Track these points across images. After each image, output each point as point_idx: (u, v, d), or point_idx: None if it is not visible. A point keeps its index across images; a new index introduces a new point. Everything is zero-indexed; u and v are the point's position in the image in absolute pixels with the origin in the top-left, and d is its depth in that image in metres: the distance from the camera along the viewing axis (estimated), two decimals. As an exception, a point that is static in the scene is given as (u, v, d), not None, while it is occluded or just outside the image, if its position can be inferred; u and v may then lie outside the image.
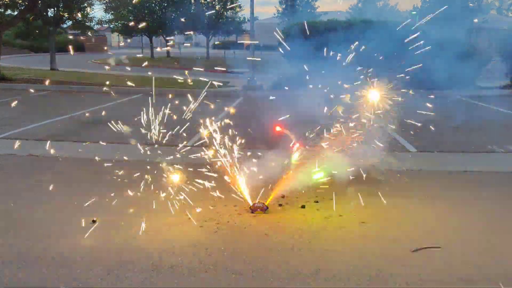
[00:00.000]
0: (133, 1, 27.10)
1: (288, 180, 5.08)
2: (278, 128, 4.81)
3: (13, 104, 10.52)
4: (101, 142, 7.58)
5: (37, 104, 12.58)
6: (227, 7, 37.51)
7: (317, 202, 4.98)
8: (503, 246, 4.00)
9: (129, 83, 9.87)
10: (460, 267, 3.61)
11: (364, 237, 4.15)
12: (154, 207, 4.79)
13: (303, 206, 4.84)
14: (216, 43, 45.07)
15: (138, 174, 5.93)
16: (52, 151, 7.10)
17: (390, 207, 4.86)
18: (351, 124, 5.19)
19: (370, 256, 3.78)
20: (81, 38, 46.46)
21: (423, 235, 4.17)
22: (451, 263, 3.67)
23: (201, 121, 5.09)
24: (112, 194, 5.16)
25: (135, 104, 12.56)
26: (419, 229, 4.33)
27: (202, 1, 37.56)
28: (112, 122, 5.45)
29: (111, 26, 37.14)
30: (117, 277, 3.39)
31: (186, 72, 6.13)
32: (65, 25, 28.25)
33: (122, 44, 65.21)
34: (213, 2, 37.66)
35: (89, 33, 28.67)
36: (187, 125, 5.47)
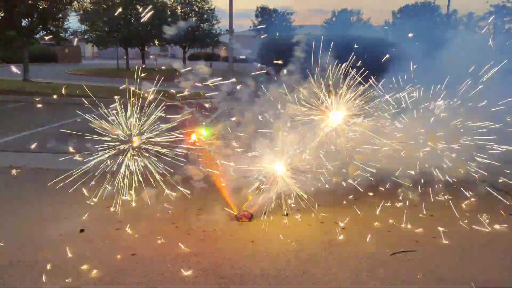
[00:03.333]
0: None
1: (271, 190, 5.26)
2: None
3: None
4: (83, 153, 7.58)
5: (14, 115, 12.44)
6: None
7: (299, 210, 5.18)
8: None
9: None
10: (435, 269, 3.86)
11: (345, 241, 4.36)
12: (141, 216, 4.91)
13: (286, 214, 5.03)
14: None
15: (123, 184, 6.00)
16: (33, 162, 7.12)
17: (369, 213, 5.10)
18: None
19: (351, 259, 3.99)
20: (55, 48, 45.94)
21: (400, 240, 4.42)
22: (426, 265, 3.92)
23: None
24: (98, 205, 5.24)
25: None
26: (396, 234, 4.57)
27: (179, 13, 37.76)
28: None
29: (86, 36, 36.87)
30: (109, 284, 3.49)
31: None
32: (38, 35, 27.92)
33: (95, 55, 64.67)
34: (190, 14, 37.93)
35: (63, 44, 28.42)
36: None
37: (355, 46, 5.82)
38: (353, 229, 4.68)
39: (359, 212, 5.13)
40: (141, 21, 30.09)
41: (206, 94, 5.44)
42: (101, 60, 59.47)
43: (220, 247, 4.21)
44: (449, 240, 4.46)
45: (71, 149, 5.40)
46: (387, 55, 6.15)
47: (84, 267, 3.73)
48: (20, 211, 5.00)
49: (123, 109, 5.13)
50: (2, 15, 17.51)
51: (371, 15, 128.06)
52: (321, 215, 5.00)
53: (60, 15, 23.41)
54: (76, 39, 32.27)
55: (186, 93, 5.16)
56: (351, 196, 5.58)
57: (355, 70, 5.15)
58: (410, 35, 7.93)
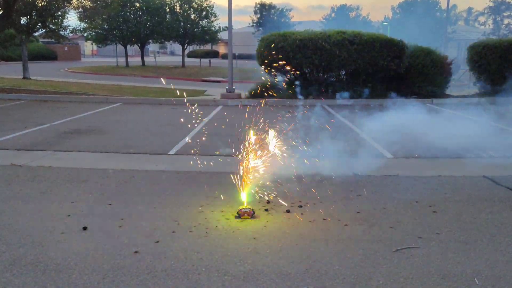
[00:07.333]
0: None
1: (273, 186, 5.25)
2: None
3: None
4: (84, 152, 7.59)
5: (15, 113, 12.42)
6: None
7: (300, 207, 5.18)
8: (475, 245, 4.28)
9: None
10: (438, 265, 3.85)
11: (347, 238, 4.35)
12: (142, 214, 4.90)
13: (288, 211, 5.02)
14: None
15: (123, 182, 6.02)
16: (34, 160, 7.12)
17: (371, 210, 5.10)
18: None
19: (354, 256, 3.98)
20: (54, 46, 45.83)
21: (403, 236, 4.42)
22: (430, 261, 3.91)
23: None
24: (100, 202, 5.25)
25: (116, 113, 12.55)
26: (399, 230, 4.57)
27: (178, 10, 37.65)
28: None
29: (85, 34, 36.81)
30: (112, 281, 3.48)
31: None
32: (37, 33, 27.86)
33: (95, 53, 64.56)
34: (189, 12, 37.82)
35: (62, 42, 28.34)
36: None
37: None
38: (356, 225, 4.67)
39: (361, 209, 5.12)
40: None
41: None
42: (101, 57, 59.49)
43: (222, 244, 4.20)
44: (452, 236, 4.45)
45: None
46: None
47: (87, 265, 3.73)
48: (21, 209, 4.99)
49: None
50: (1, 13, 17.43)
51: (370, 11, 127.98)
52: (323, 212, 5.00)
53: (59, 13, 23.35)
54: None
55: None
56: (353, 193, 5.60)
57: None
58: None
